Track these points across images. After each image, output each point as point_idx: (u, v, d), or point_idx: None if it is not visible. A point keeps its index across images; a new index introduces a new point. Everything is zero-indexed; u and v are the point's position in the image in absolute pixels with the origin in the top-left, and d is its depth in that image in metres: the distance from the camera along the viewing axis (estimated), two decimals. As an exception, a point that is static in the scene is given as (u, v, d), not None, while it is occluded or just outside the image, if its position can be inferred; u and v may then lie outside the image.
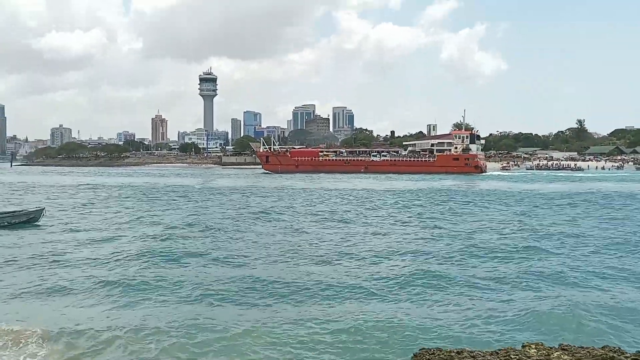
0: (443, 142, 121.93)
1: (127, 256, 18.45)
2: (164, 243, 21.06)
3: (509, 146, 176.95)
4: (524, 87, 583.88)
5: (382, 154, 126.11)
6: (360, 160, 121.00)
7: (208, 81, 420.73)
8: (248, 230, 24.89)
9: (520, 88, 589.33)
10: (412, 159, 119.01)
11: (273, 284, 14.26)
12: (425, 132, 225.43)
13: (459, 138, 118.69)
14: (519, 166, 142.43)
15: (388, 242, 21.14)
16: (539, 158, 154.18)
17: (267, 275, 15.20)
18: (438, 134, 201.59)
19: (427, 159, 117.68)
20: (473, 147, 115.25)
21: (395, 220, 28.44)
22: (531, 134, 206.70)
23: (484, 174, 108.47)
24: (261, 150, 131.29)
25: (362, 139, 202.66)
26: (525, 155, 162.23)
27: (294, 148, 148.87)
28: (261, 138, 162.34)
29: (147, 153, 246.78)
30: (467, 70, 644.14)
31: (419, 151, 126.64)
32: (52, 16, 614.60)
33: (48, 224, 27.63)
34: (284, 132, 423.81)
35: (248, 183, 73.52)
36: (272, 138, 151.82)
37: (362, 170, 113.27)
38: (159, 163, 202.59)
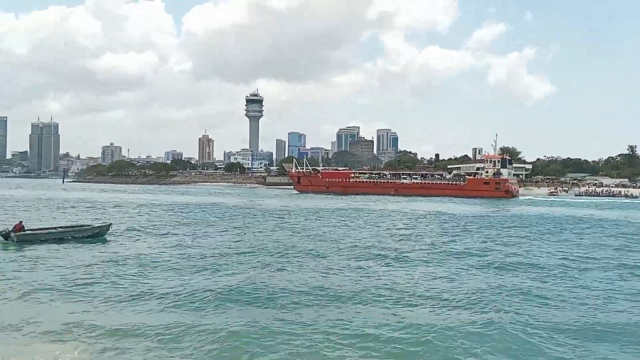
0: (475, 166, 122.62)
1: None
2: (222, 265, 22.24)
3: (557, 171, 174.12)
4: (573, 110, 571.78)
5: (413, 176, 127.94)
6: (391, 182, 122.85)
7: (254, 102, 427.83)
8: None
9: (569, 112, 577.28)
10: (442, 182, 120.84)
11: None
12: (470, 155, 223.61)
13: (490, 162, 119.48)
14: (567, 192, 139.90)
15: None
16: (587, 184, 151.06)
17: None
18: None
19: (457, 182, 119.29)
20: (504, 171, 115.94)
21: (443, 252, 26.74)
22: (580, 159, 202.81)
23: (515, 198, 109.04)
24: (293, 171, 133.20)
25: (406, 162, 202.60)
26: (574, 181, 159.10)
27: (327, 169, 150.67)
28: (293, 159, 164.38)
29: (193, 172, 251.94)
30: (515, 94, 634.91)
31: (464, 175, 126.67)
32: (107, 37, 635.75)
33: (114, 240, 28.69)
34: (327, 153, 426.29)
35: (284, 202, 74.70)
36: (304, 159, 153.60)
37: (391, 193, 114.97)
38: (205, 182, 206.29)
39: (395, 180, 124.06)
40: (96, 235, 29.07)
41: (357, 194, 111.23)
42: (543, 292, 16.58)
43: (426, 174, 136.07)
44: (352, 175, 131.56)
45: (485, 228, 38.32)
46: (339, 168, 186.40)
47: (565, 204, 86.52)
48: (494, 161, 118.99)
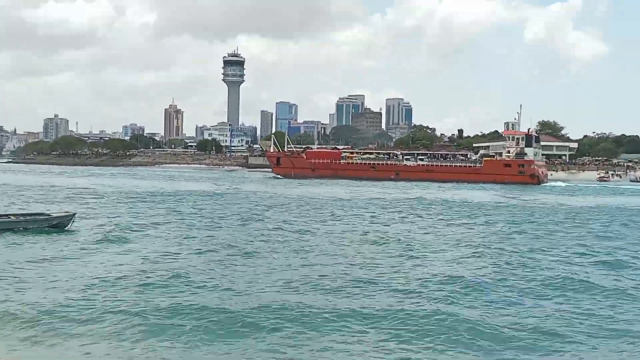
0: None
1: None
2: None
3: (609, 151, 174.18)
4: (630, 76, 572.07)
5: (418, 157, 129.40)
6: (391, 164, 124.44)
7: (234, 64, 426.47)
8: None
9: (625, 77, 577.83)
10: (454, 164, 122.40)
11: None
12: (502, 131, 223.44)
13: (513, 140, 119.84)
14: (620, 177, 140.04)
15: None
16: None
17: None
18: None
19: (472, 164, 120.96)
20: (529, 151, 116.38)
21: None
22: (637, 136, 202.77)
23: (543, 184, 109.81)
24: (272, 150, 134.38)
25: (422, 139, 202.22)
26: (629, 164, 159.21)
27: (322, 147, 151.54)
28: (272, 136, 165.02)
29: (158, 151, 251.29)
30: (558, 55, 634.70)
31: (494, 155, 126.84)
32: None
33: (78, 232, 29.11)
34: (324, 128, 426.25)
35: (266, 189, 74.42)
36: (286, 135, 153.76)
37: (392, 177, 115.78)
38: (173, 163, 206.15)
39: (396, 162, 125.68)
40: (55, 226, 29.20)
41: (349, 179, 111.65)
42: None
43: (447, 154, 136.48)
44: (343, 155, 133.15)
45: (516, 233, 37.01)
46: (327, 147, 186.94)
47: (616, 192, 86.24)
48: (517, 138, 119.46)
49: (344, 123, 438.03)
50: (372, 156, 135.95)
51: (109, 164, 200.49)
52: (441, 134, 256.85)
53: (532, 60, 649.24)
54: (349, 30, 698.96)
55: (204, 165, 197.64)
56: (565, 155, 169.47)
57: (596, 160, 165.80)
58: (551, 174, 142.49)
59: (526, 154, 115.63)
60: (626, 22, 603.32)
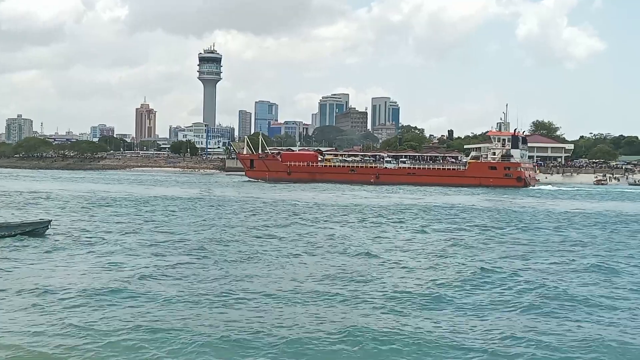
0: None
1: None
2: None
3: (606, 153, 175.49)
4: (628, 74, 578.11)
5: (400, 160, 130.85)
6: (371, 167, 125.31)
7: (210, 61, 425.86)
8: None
9: (623, 75, 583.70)
10: (437, 167, 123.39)
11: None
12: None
13: (499, 141, 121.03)
14: (619, 180, 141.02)
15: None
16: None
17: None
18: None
19: (456, 167, 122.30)
20: (516, 152, 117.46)
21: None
22: (636, 137, 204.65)
23: (530, 187, 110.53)
24: (245, 153, 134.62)
25: (410, 140, 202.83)
26: (628, 166, 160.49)
27: (304, 149, 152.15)
28: (245, 137, 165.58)
29: (129, 153, 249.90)
30: (552, 52, 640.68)
31: (479, 157, 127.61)
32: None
33: (53, 239, 29.10)
34: (307, 129, 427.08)
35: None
36: (260, 137, 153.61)
37: (372, 181, 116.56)
38: (145, 166, 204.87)
39: (376, 165, 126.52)
40: (28, 234, 29.34)
41: (327, 182, 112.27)
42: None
43: (436, 157, 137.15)
44: (321, 157, 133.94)
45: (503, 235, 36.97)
46: (309, 149, 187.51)
47: (607, 197, 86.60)
48: (503, 139, 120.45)
49: (327, 123, 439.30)
50: (357, 159, 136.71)
51: (76, 168, 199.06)
52: (430, 135, 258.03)
53: (526, 57, 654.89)
54: (332, 26, 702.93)
55: (178, 169, 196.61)
56: (560, 157, 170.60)
57: (593, 162, 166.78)
58: (546, 177, 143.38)
59: (512, 155, 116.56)
60: (623, 17, 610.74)
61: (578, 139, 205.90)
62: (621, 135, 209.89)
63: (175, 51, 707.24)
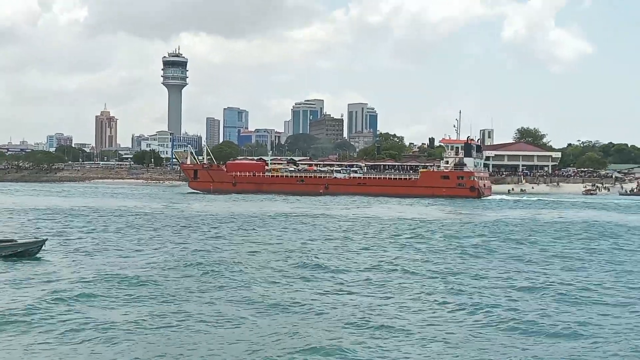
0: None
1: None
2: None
3: (595, 161, 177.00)
4: (618, 78, 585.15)
5: (353, 169, 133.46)
6: (320, 177, 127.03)
7: (175, 65, 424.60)
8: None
9: (612, 80, 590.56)
10: (390, 176, 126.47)
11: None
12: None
13: (452, 149, 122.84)
14: (609, 190, 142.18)
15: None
16: (637, 179, 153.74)
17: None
18: (495, 143, 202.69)
19: (408, 176, 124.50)
20: (469, 161, 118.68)
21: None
22: (626, 144, 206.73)
23: (484, 197, 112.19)
24: (188, 163, 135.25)
25: (389, 149, 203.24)
26: (618, 175, 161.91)
27: (263, 160, 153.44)
28: (188, 147, 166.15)
29: (88, 164, 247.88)
30: (539, 55, 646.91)
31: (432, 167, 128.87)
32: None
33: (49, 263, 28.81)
34: (279, 137, 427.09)
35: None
36: (205, 148, 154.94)
37: (321, 191, 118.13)
38: (106, 178, 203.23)
39: (326, 175, 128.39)
40: (21, 254, 29.52)
41: (274, 193, 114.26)
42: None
43: (417, 166, 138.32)
44: (268, 168, 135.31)
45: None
46: (282, 158, 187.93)
47: (568, 206, 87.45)
48: (456, 147, 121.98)
49: (300, 131, 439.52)
50: (306, 168, 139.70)
51: (31, 180, 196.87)
52: (410, 143, 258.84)
53: (511, 60, 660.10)
54: (307, 28, 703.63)
55: (141, 180, 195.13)
56: (547, 166, 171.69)
57: (582, 171, 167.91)
58: (532, 187, 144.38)
59: (465, 164, 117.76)
60: (612, 19, 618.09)
61: (566, 146, 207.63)
62: (610, 142, 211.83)
63: (138, 55, 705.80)
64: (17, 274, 25.23)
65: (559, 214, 69.13)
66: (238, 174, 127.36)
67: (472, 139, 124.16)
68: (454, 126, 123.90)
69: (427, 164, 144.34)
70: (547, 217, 64.27)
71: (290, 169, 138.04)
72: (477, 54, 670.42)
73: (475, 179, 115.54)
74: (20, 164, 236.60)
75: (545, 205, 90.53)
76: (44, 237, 32.70)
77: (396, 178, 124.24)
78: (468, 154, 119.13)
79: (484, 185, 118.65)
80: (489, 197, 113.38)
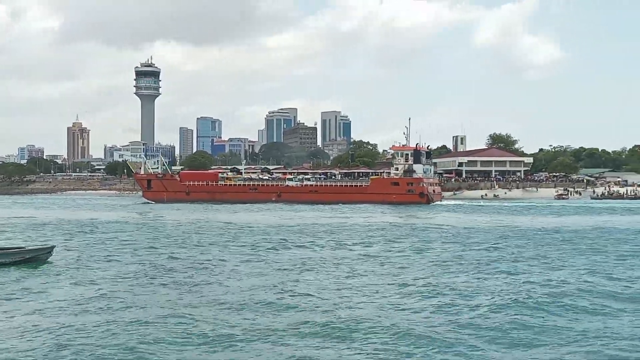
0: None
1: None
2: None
3: (567, 166, 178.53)
4: (589, 83, 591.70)
5: (305, 177, 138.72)
6: (273, 185, 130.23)
7: (148, 75, 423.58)
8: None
9: (583, 85, 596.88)
10: (341, 184, 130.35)
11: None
12: (450, 146, 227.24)
13: (401, 156, 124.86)
14: (580, 194, 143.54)
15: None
16: (608, 183, 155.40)
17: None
18: (468, 148, 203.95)
19: (359, 183, 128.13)
20: (418, 167, 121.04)
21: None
22: (597, 149, 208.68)
23: (434, 203, 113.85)
24: (142, 173, 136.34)
25: (362, 156, 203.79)
26: (590, 178, 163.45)
27: (237, 169, 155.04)
28: (142, 156, 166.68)
29: (61, 176, 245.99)
30: (511, 61, 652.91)
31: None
32: None
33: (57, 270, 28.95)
34: (252, 146, 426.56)
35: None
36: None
37: (273, 199, 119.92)
38: (78, 189, 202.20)
39: (278, 183, 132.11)
40: (29, 261, 29.73)
41: (227, 202, 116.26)
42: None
43: (348, 173, 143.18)
44: (221, 177, 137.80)
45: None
46: (255, 167, 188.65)
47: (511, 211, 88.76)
48: (406, 154, 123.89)
49: (274, 140, 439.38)
50: (260, 177, 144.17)
51: (2, 192, 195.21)
52: (384, 150, 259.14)
53: (483, 66, 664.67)
54: (279, 35, 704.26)
55: (114, 192, 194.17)
56: (520, 171, 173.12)
57: (554, 176, 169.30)
58: (505, 192, 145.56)
59: (415, 171, 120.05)
60: (584, 24, 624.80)
61: (537, 151, 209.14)
62: (582, 147, 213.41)
63: (110, 64, 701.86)
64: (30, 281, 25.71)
65: (493, 218, 69.83)
66: (191, 183, 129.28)
67: (421, 146, 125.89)
68: (404, 133, 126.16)
69: (377, 171, 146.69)
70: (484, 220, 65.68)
71: (243, 177, 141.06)
72: (448, 60, 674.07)
73: (425, 185, 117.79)
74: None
75: (499, 210, 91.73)
76: (52, 244, 33.14)
77: (348, 185, 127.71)
78: (417, 160, 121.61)
79: (434, 191, 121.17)
80: (438, 203, 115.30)
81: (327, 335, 17.45)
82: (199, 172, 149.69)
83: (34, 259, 29.92)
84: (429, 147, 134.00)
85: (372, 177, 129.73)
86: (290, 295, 22.81)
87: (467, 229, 53.95)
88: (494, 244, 41.14)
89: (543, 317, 19.45)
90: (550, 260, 32.93)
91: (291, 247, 39.03)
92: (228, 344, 16.68)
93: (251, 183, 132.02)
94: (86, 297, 22.46)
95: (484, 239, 44.61)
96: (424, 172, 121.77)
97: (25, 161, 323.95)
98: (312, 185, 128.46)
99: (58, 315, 19.73)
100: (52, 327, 18.05)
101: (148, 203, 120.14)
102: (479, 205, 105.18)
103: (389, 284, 25.44)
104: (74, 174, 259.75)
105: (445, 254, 36.10)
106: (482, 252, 36.88)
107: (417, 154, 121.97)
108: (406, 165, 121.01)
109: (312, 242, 42.87)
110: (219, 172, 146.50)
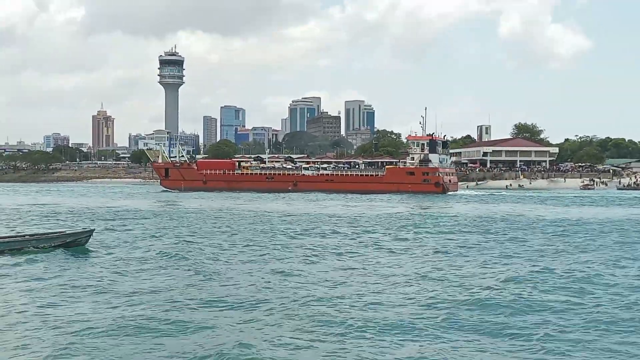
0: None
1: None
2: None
3: (593, 156, 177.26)
4: (615, 73, 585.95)
5: (323, 166, 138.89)
6: (289, 175, 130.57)
7: (172, 64, 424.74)
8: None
9: (609, 75, 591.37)
10: (357, 173, 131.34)
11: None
12: (475, 136, 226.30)
13: (417, 146, 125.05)
14: (606, 184, 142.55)
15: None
16: (634, 174, 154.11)
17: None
18: (493, 138, 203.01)
19: (374, 173, 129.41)
20: (434, 157, 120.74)
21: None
22: (624, 139, 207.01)
23: (450, 193, 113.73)
24: (160, 161, 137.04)
25: (386, 146, 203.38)
26: (616, 169, 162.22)
27: (260, 158, 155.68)
28: (161, 145, 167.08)
29: (86, 164, 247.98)
30: (536, 51, 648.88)
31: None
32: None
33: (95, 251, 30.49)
34: (276, 135, 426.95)
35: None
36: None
37: (289, 188, 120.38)
38: (103, 177, 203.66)
39: (294, 172, 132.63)
40: (69, 245, 30.35)
41: (244, 191, 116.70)
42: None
43: (370, 163, 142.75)
44: (238, 166, 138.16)
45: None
46: (279, 156, 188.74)
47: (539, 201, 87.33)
48: (422, 144, 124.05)
49: (298, 129, 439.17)
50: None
51: (29, 180, 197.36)
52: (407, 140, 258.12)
53: (508, 56, 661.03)
54: (303, 26, 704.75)
55: (139, 180, 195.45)
56: (545, 161, 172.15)
57: (579, 166, 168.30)
58: (530, 182, 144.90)
59: (430, 160, 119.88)
60: (610, 14, 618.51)
61: (563, 142, 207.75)
62: (608, 137, 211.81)
63: (134, 54, 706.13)
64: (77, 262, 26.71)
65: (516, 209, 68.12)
66: (208, 172, 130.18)
67: (436, 136, 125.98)
68: (420, 123, 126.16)
69: (393, 160, 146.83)
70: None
71: (261, 166, 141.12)
72: (473, 51, 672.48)
73: (440, 174, 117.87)
74: (18, 165, 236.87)
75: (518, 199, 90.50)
76: (92, 227, 33.82)
77: (363, 175, 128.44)
78: (433, 150, 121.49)
79: (450, 180, 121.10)
80: (455, 192, 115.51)
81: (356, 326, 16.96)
82: (216, 161, 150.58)
83: (74, 242, 30.54)
84: (445, 137, 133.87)
85: (387, 166, 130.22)
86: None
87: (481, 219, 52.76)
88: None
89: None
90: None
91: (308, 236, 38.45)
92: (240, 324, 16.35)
93: (268, 172, 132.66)
94: (133, 273, 23.71)
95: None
96: (440, 162, 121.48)
97: (50, 149, 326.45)
98: (328, 174, 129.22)
99: (114, 291, 20.22)
100: (111, 302, 18.57)
101: (166, 191, 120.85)
102: (500, 195, 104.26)
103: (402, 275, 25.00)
104: (98, 162, 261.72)
105: (452, 243, 34.96)
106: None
107: (432, 144, 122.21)
108: (422, 155, 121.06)
109: (319, 230, 42.28)
110: (236, 161, 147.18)
